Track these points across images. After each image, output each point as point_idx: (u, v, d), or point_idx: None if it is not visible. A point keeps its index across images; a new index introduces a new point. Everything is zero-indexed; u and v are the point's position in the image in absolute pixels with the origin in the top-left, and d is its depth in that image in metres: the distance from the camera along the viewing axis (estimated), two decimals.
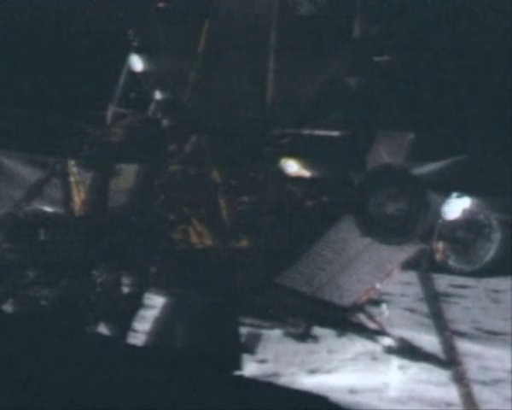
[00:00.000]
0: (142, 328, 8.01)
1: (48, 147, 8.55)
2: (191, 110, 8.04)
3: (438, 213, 7.08)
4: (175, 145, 7.99)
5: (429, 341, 7.63)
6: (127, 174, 8.19)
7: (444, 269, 7.44)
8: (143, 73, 8.38)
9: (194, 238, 7.88)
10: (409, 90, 7.62)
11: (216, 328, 7.72)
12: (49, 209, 8.58)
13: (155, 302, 8.06)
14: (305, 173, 7.71)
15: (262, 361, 8.16)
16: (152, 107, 8.40)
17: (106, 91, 8.58)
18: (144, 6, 8.39)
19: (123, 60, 8.46)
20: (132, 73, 8.44)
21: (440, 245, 7.40)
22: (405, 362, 7.92)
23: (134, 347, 7.80)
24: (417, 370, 7.93)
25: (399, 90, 7.67)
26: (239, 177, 7.83)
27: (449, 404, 7.41)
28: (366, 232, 7.19)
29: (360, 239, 7.31)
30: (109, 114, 8.50)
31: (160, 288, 7.93)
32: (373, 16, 7.78)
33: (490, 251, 7.23)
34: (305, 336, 7.70)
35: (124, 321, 7.82)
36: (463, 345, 7.96)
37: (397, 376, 7.97)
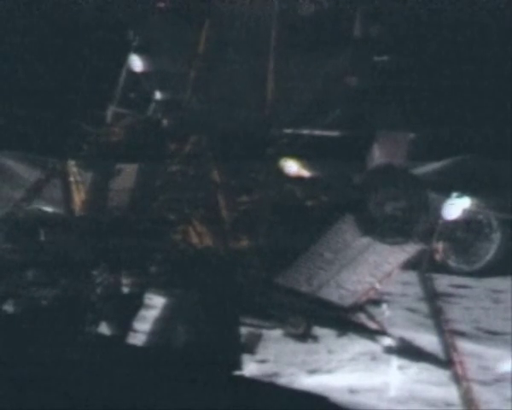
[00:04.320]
0: (142, 328, 8.00)
1: (48, 147, 8.56)
2: (191, 110, 8.04)
3: (438, 213, 7.09)
4: (175, 145, 7.99)
5: (429, 341, 7.63)
6: (127, 174, 8.19)
7: (444, 269, 7.44)
8: (143, 73, 8.38)
9: (194, 238, 7.88)
10: (409, 90, 7.63)
11: (216, 328, 7.72)
12: (49, 209, 8.58)
13: (155, 302, 8.06)
14: (305, 173, 7.71)
15: (262, 361, 8.15)
16: (152, 107, 8.41)
17: (106, 91, 8.59)
18: (144, 6, 8.40)
19: (123, 60, 8.47)
20: (132, 73, 8.44)
21: (440, 245, 7.41)
22: (405, 362, 7.91)
23: (134, 347, 7.80)
24: (417, 370, 7.92)
25: (399, 90, 7.67)
26: (239, 177, 7.83)
27: (449, 404, 7.40)
28: (366, 232, 7.20)
29: (360, 239, 7.32)
30: (109, 114, 8.50)
31: (160, 288, 7.93)
32: (373, 16, 7.79)
33: (490, 251, 7.24)
34: (305, 336, 7.70)
35: (124, 321, 7.83)
36: (463, 345, 7.94)
37: (397, 376, 7.96)
